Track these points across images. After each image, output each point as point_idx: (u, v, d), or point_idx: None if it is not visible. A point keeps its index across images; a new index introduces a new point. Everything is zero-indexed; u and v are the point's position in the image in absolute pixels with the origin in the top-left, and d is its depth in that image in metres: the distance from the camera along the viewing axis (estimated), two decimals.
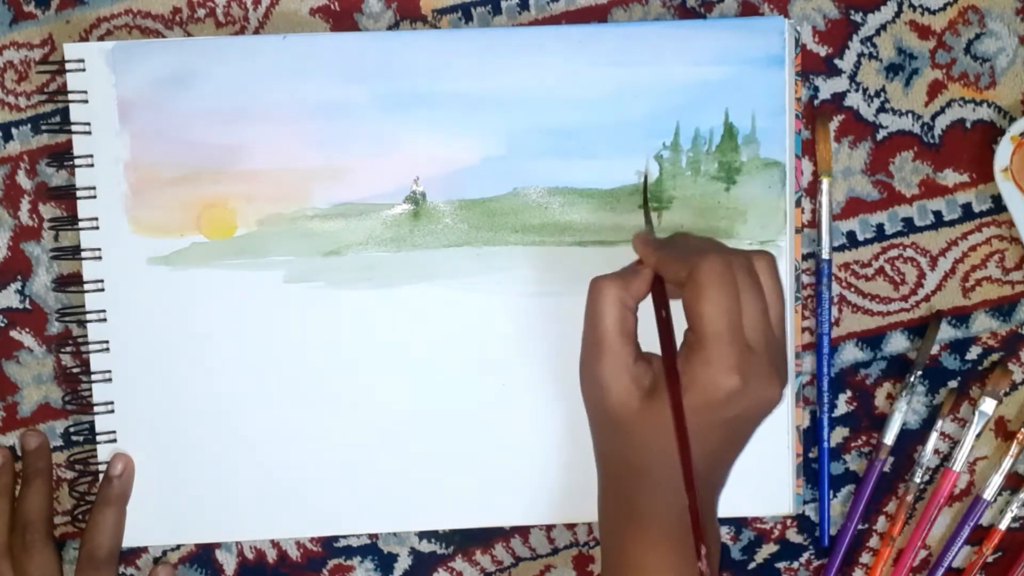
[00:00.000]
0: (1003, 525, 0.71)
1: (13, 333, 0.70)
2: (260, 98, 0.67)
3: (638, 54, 0.67)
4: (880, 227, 0.70)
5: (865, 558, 0.73)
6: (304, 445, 0.68)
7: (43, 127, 0.69)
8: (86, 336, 0.68)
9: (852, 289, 0.71)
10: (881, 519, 0.72)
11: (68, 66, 0.67)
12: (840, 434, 0.71)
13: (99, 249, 0.67)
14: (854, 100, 0.70)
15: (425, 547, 0.72)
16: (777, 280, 0.57)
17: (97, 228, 0.67)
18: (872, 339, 0.71)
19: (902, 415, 0.70)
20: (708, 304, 0.53)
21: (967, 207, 0.70)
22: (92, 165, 0.67)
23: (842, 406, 0.71)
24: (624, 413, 0.56)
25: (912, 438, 0.71)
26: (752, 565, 0.72)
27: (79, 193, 0.67)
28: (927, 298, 0.71)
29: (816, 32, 0.69)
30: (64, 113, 0.67)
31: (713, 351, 0.53)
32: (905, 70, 0.70)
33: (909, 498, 0.71)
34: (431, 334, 0.68)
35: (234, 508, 0.69)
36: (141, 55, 0.66)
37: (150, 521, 0.69)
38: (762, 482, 0.69)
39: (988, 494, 0.70)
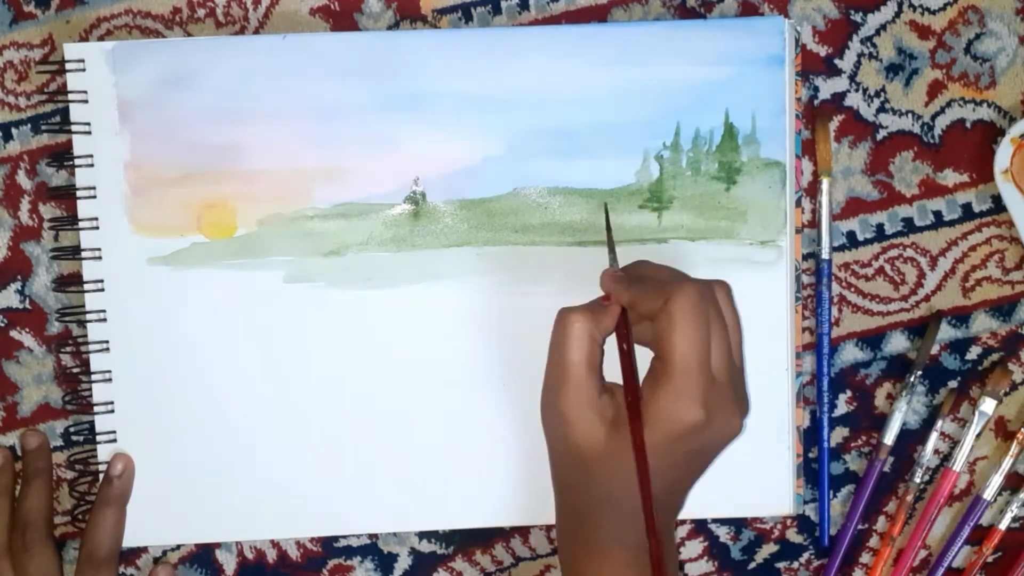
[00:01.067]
0: (1003, 525, 0.71)
1: (13, 333, 0.70)
2: (260, 98, 0.67)
3: (638, 54, 0.67)
4: (880, 227, 0.70)
5: (865, 558, 0.73)
6: (304, 445, 0.68)
7: (43, 127, 0.69)
8: (86, 336, 0.68)
9: (852, 289, 0.71)
10: (881, 519, 0.72)
11: (68, 66, 0.67)
12: (840, 434, 0.71)
13: (99, 249, 0.67)
14: (854, 100, 0.70)
15: (425, 547, 0.72)
16: (735, 309, 0.58)
17: (97, 228, 0.67)
18: (872, 339, 0.71)
19: (902, 415, 0.70)
20: (682, 336, 0.54)
21: (967, 207, 0.70)
22: (92, 165, 0.67)
23: (842, 406, 0.71)
24: (588, 447, 0.56)
25: (912, 438, 0.71)
26: (752, 565, 0.72)
27: (79, 193, 0.67)
28: (927, 298, 0.71)
29: (816, 32, 0.69)
30: (64, 113, 0.67)
31: (681, 384, 0.54)
32: (905, 70, 0.70)
33: (909, 498, 0.71)
34: (431, 334, 0.68)
35: (234, 508, 0.69)
36: (141, 55, 0.66)
37: (150, 521, 0.69)
38: (762, 482, 0.69)
39: (988, 494, 0.70)
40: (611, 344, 0.58)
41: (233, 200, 0.67)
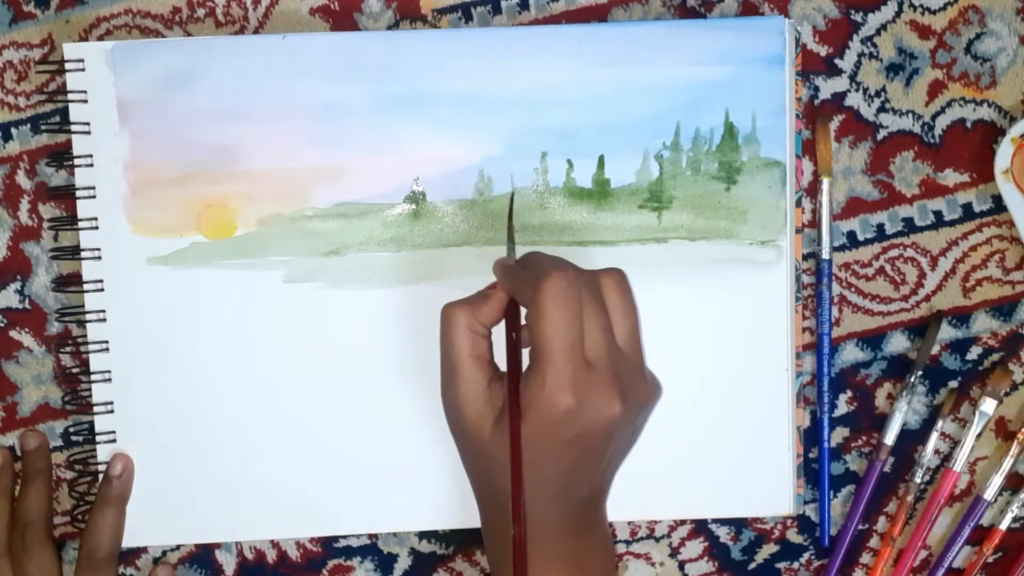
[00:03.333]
0: (1003, 525, 0.71)
1: (13, 333, 0.70)
2: (260, 98, 0.67)
3: (638, 54, 0.67)
4: (880, 227, 0.70)
5: (865, 558, 0.73)
6: (304, 445, 0.68)
7: (43, 127, 0.69)
8: (85, 336, 0.68)
9: (852, 289, 0.71)
10: (881, 519, 0.72)
11: (68, 66, 0.67)
12: (840, 434, 0.71)
13: (99, 249, 0.67)
14: (854, 100, 0.70)
15: (425, 547, 0.72)
16: (627, 296, 0.57)
17: (97, 228, 0.67)
18: (872, 339, 0.71)
19: (902, 415, 0.70)
20: (546, 323, 0.54)
21: (967, 207, 0.70)
22: (92, 165, 0.67)
23: (842, 406, 0.71)
24: (480, 437, 0.56)
25: (912, 438, 0.71)
26: (752, 565, 0.72)
27: (79, 193, 0.67)
28: (927, 298, 0.71)
29: (816, 32, 0.69)
30: (64, 113, 0.67)
31: (548, 369, 0.54)
32: (905, 70, 0.70)
33: (909, 498, 0.71)
34: (431, 334, 0.68)
35: (234, 508, 0.69)
36: (141, 55, 0.66)
37: (150, 521, 0.69)
38: (762, 482, 0.69)
39: (988, 494, 0.70)
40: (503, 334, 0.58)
41: (233, 200, 0.67)
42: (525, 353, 0.56)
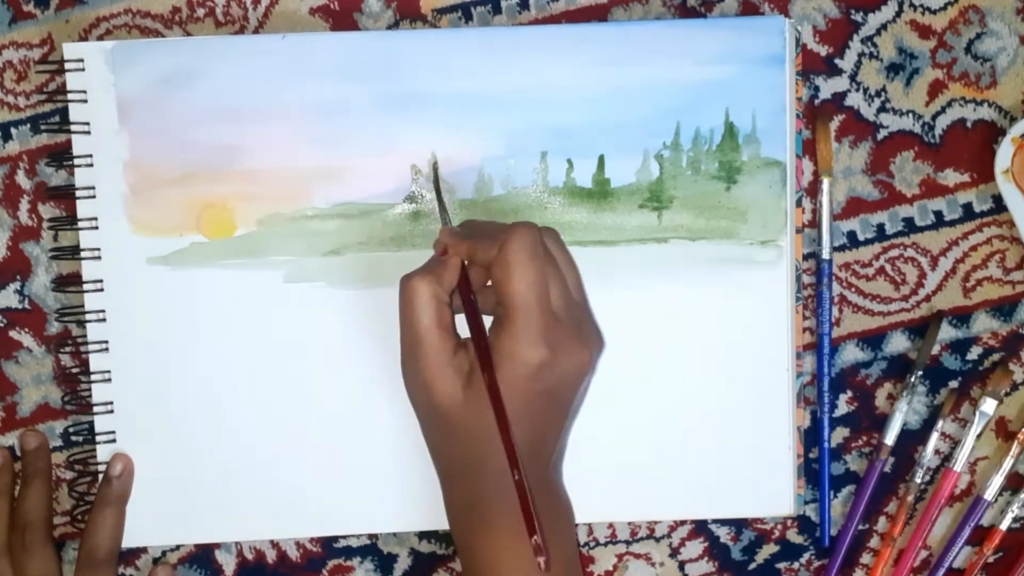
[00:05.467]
0: (1004, 525, 0.71)
1: (12, 333, 0.70)
2: (260, 98, 0.67)
3: (638, 54, 0.67)
4: (881, 227, 0.70)
5: (866, 559, 0.73)
6: (304, 445, 0.68)
7: (42, 127, 0.69)
8: (85, 336, 0.68)
9: (853, 289, 0.71)
10: (882, 519, 0.72)
11: (67, 66, 0.67)
12: (841, 434, 0.71)
13: (98, 249, 0.67)
14: (855, 100, 0.70)
15: (425, 547, 0.72)
16: (566, 251, 0.60)
17: (96, 228, 0.67)
18: (873, 339, 0.71)
19: (903, 415, 0.70)
20: (519, 278, 0.55)
21: (968, 207, 0.70)
22: (91, 165, 0.67)
23: (843, 406, 0.71)
24: (451, 405, 0.57)
25: (913, 438, 0.71)
26: (752, 565, 0.72)
27: (78, 193, 0.67)
28: (928, 298, 0.71)
29: (817, 32, 0.69)
30: (63, 113, 0.67)
31: (521, 324, 0.55)
32: (906, 70, 0.70)
33: (910, 498, 0.71)
34: None
35: (233, 508, 0.69)
36: (140, 55, 0.66)
37: (149, 521, 0.69)
38: (763, 483, 0.69)
39: (989, 494, 0.70)
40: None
41: (232, 200, 0.67)
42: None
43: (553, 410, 0.58)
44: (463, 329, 0.58)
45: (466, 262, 0.59)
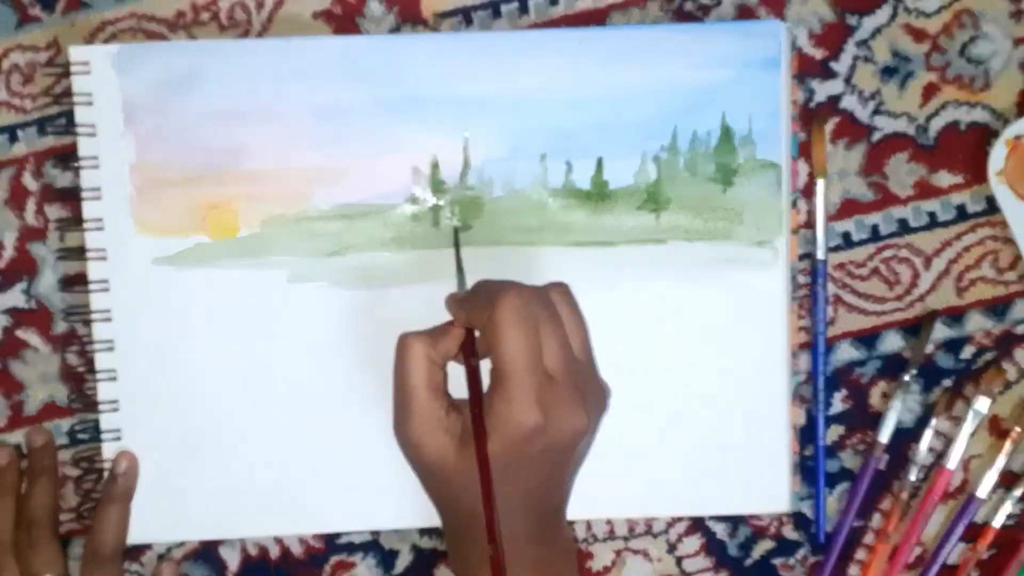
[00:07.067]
0: (997, 523, 0.71)
1: (19, 332, 0.70)
2: (263, 100, 0.67)
3: (636, 57, 0.67)
4: (875, 228, 0.71)
5: (860, 555, 0.73)
6: (307, 443, 0.69)
7: (49, 129, 0.69)
8: (91, 335, 0.68)
9: (847, 289, 0.71)
10: (876, 516, 0.73)
11: (73, 69, 0.67)
12: (835, 432, 0.72)
13: (104, 250, 0.68)
14: (849, 102, 0.70)
15: (426, 544, 0.72)
16: (575, 308, 0.58)
17: (102, 229, 0.68)
18: (867, 338, 0.71)
19: (897, 414, 0.71)
20: (505, 341, 0.54)
21: (961, 208, 0.71)
22: (97, 167, 0.67)
23: (837, 405, 0.72)
24: (443, 465, 0.56)
25: (907, 436, 0.72)
26: (748, 562, 0.73)
27: (84, 194, 0.67)
28: (921, 298, 0.71)
29: (812, 35, 0.70)
30: (69, 115, 0.68)
31: (513, 387, 0.54)
32: (900, 73, 0.70)
33: (904, 496, 0.71)
34: None
35: (237, 505, 0.69)
36: (146, 58, 0.67)
37: (154, 518, 0.69)
38: (759, 480, 0.69)
39: (982, 492, 0.71)
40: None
41: (236, 201, 0.68)
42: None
43: (553, 467, 0.57)
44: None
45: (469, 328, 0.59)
